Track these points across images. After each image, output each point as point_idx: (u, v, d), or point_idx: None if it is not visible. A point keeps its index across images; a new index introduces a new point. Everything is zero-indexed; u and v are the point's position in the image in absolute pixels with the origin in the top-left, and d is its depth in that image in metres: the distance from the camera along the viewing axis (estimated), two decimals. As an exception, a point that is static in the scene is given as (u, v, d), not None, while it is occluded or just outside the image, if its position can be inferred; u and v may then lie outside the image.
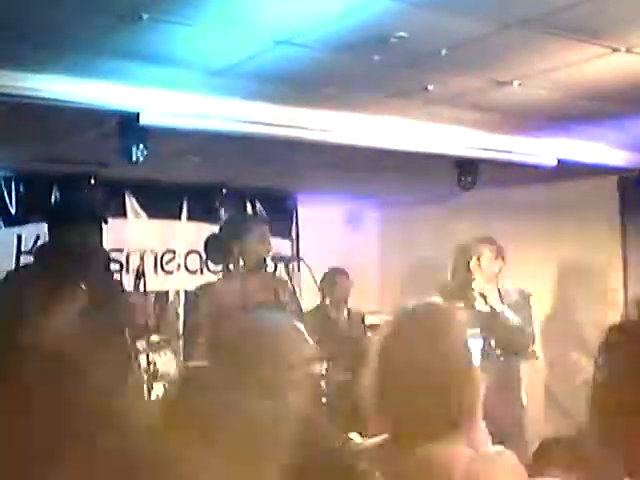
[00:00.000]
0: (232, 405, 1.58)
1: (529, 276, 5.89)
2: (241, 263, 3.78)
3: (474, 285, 4.72)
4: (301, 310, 3.99)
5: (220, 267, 6.89)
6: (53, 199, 6.43)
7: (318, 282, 5.03)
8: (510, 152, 5.65)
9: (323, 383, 3.62)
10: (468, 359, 1.85)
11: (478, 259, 4.62)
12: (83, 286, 2.97)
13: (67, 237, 3.09)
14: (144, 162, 4.46)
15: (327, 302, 6.32)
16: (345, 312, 6.40)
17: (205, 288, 3.77)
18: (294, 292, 3.92)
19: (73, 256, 3.03)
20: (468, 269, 4.53)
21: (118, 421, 1.20)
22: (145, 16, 3.14)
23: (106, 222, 3.37)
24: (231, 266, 3.83)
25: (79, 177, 6.34)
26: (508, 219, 6.94)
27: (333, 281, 6.31)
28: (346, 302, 6.41)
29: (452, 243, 6.91)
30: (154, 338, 5.41)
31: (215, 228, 7.35)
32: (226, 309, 3.65)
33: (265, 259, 3.75)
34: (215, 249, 3.92)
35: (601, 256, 5.98)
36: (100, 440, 1.15)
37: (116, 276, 3.51)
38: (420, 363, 1.79)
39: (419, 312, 1.91)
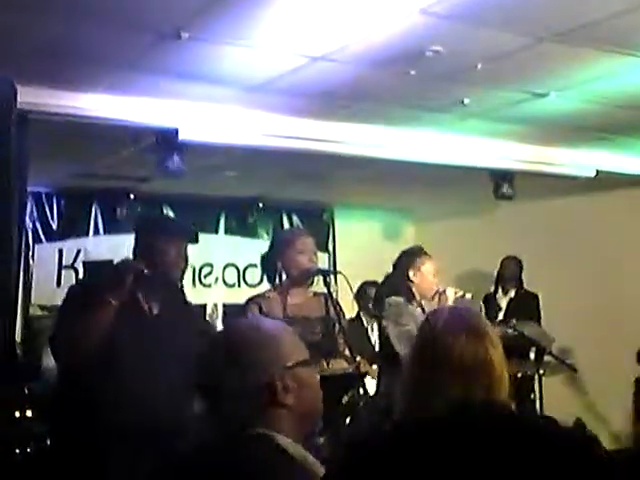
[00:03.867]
0: None
1: (561, 287, 5.85)
2: (285, 277, 3.79)
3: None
4: (346, 323, 4.00)
5: (257, 280, 7.00)
6: (93, 214, 6.54)
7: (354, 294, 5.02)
8: (547, 164, 5.62)
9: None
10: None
11: (419, 269, 4.58)
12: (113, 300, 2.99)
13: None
14: (182, 177, 4.53)
15: (362, 314, 6.36)
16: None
17: (254, 300, 3.78)
18: (339, 306, 3.91)
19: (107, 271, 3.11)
20: (408, 277, 4.51)
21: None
22: (184, 35, 3.20)
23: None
24: (277, 280, 3.84)
25: (119, 192, 6.43)
26: (546, 230, 6.89)
27: (365, 293, 6.35)
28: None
29: (488, 256, 6.91)
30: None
31: (252, 242, 7.52)
32: None
33: (310, 272, 3.76)
34: (264, 265, 3.95)
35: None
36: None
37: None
38: None
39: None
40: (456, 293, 4.38)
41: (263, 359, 1.67)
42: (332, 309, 3.74)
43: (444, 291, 4.37)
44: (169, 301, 3.20)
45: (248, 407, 1.64)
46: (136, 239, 3.26)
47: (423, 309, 4.32)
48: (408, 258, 4.46)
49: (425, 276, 4.39)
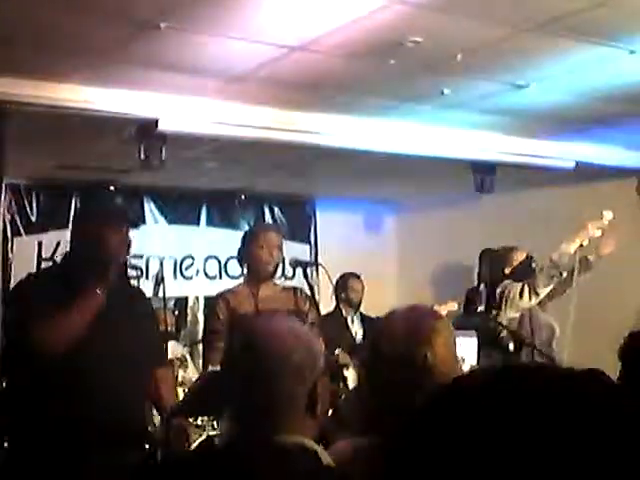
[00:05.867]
0: None
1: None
2: (249, 271, 3.84)
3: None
4: (319, 316, 4.01)
5: (239, 273, 6.99)
6: (74, 206, 6.50)
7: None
8: (527, 155, 5.64)
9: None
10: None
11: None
12: (99, 290, 2.98)
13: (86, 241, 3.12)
14: (163, 168, 4.51)
15: (341, 305, 6.37)
16: (359, 316, 6.43)
17: (222, 296, 3.81)
18: (313, 299, 3.93)
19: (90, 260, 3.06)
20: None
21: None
22: (163, 25, 3.18)
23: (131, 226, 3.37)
24: (246, 274, 3.89)
25: (99, 184, 6.39)
26: (526, 222, 6.92)
27: (345, 285, 6.35)
28: (359, 306, 6.44)
29: (470, 248, 6.93)
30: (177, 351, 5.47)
31: (233, 234, 7.48)
32: (239, 316, 3.70)
33: (270, 267, 3.79)
34: (238, 258, 4.00)
35: (620, 260, 5.94)
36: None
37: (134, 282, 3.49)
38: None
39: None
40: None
41: (305, 365, 1.61)
42: (302, 303, 3.77)
43: None
44: (117, 288, 3.15)
45: (285, 415, 1.58)
46: (75, 228, 3.26)
47: None
48: None
49: None
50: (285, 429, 1.58)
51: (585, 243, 4.94)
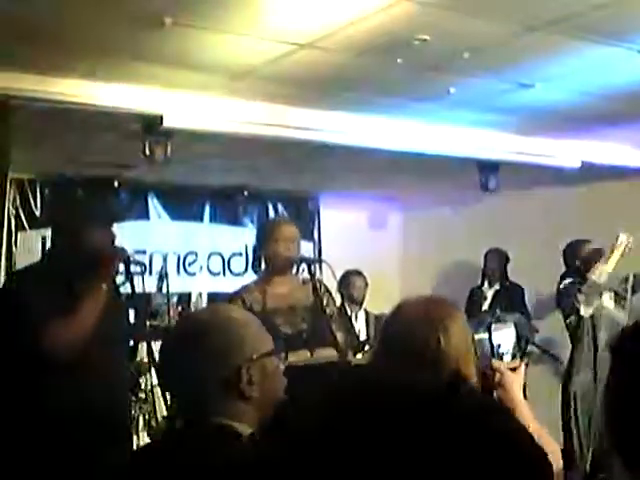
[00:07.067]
0: None
1: (546, 278, 5.86)
2: (265, 266, 3.78)
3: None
4: (337, 309, 3.99)
5: (242, 269, 6.99)
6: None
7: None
8: (533, 154, 5.63)
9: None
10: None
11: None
12: (104, 286, 2.96)
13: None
14: (167, 164, 4.49)
15: (346, 303, 6.38)
16: (363, 313, 6.43)
17: (238, 295, 3.76)
18: (329, 293, 3.90)
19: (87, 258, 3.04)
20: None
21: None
22: (168, 21, 3.17)
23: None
24: (263, 270, 3.82)
25: (103, 180, 6.39)
26: (531, 221, 6.91)
27: (347, 281, 6.35)
28: (362, 303, 6.45)
29: (474, 246, 6.92)
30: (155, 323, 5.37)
31: (237, 230, 7.49)
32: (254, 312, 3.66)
33: (290, 261, 3.74)
34: (253, 255, 3.95)
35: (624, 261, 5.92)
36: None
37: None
38: None
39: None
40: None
41: (228, 348, 1.63)
42: (322, 296, 3.73)
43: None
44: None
45: (210, 396, 1.61)
46: (56, 229, 3.23)
47: None
48: None
49: None
50: (210, 412, 1.60)
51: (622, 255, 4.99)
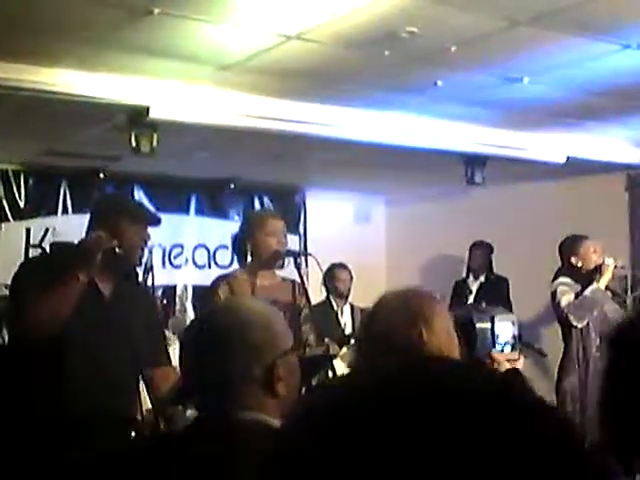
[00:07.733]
0: None
1: (531, 271, 5.89)
2: (252, 258, 3.75)
3: None
4: (311, 311, 3.96)
5: (228, 262, 6.97)
6: (62, 193, 6.46)
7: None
8: (519, 149, 5.64)
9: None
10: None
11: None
12: (81, 276, 2.94)
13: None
14: (153, 156, 4.47)
15: (331, 297, 6.38)
16: (348, 306, 6.44)
17: (224, 279, 3.74)
18: (306, 292, 3.89)
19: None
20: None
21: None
22: (156, 10, 3.15)
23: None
24: (248, 262, 3.79)
25: (89, 171, 6.35)
26: (515, 216, 6.93)
27: (331, 274, 6.35)
28: (347, 296, 6.45)
29: (459, 240, 6.94)
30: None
31: (222, 223, 7.47)
32: None
33: (279, 253, 3.72)
34: (234, 246, 3.92)
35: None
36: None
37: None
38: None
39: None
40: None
41: (267, 343, 1.61)
42: (298, 296, 3.73)
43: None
44: (124, 284, 3.13)
45: (241, 391, 1.58)
46: (96, 219, 3.21)
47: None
48: None
49: None
50: (242, 406, 1.58)
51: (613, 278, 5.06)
